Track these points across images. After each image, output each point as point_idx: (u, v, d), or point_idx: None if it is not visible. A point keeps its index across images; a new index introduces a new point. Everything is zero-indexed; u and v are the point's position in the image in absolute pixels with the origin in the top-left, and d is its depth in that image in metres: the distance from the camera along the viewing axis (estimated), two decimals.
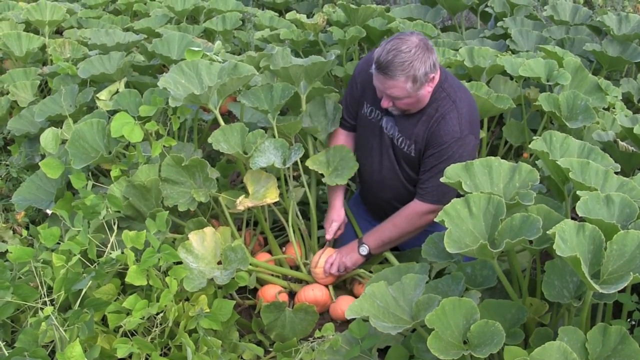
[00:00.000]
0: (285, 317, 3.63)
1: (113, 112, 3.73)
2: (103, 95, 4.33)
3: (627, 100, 5.22)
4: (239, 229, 4.13)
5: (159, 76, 4.23)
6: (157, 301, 2.97)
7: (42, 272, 2.97)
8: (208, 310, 3.13)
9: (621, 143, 4.02)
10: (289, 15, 6.10)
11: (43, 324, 2.74)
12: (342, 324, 3.76)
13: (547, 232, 2.50)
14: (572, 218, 2.71)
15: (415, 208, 3.73)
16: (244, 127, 3.79)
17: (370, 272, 3.89)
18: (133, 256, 3.01)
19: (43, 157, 4.16)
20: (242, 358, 3.41)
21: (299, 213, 4.08)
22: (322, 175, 3.96)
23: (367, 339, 3.07)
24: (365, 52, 6.00)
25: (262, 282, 3.96)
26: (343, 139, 4.08)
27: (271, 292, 3.84)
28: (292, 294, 3.97)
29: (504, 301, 2.84)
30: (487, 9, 6.94)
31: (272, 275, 3.99)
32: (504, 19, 6.31)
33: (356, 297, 3.81)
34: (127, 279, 2.95)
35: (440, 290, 2.98)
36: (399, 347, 3.08)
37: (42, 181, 3.96)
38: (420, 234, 3.74)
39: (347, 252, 3.90)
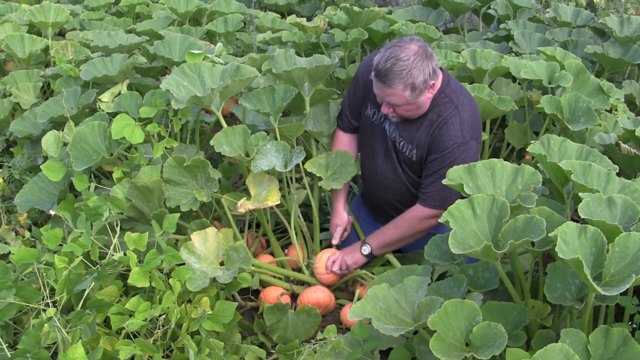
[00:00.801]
0: (288, 319, 3.63)
1: (114, 114, 3.73)
2: (105, 97, 4.33)
3: (630, 102, 5.22)
4: (242, 231, 4.13)
5: (162, 78, 4.22)
6: (160, 303, 2.97)
7: (44, 274, 2.98)
8: (210, 312, 3.13)
9: (623, 145, 4.02)
10: (289, 19, 6.12)
11: (45, 325, 2.74)
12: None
13: (550, 234, 2.50)
14: (574, 220, 2.71)
15: (417, 212, 3.73)
16: (246, 129, 3.79)
17: (373, 273, 3.89)
18: (135, 258, 3.02)
19: (45, 158, 4.16)
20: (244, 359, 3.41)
21: (300, 215, 4.09)
22: (320, 178, 3.96)
23: (369, 340, 3.07)
24: (368, 54, 6.00)
25: (264, 284, 3.96)
26: (346, 140, 4.09)
27: (273, 294, 3.84)
28: (294, 296, 3.97)
29: (506, 303, 2.84)
30: (489, 11, 6.96)
31: (274, 277, 3.99)
32: (506, 21, 6.33)
33: (359, 299, 3.81)
34: (130, 281, 2.95)
35: (443, 292, 2.98)
36: (401, 349, 3.08)
37: (45, 183, 3.96)
38: (423, 236, 3.74)
39: (349, 251, 3.92)
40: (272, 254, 4.19)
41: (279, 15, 6.69)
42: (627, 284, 2.31)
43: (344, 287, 4.10)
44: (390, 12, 6.41)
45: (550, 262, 2.92)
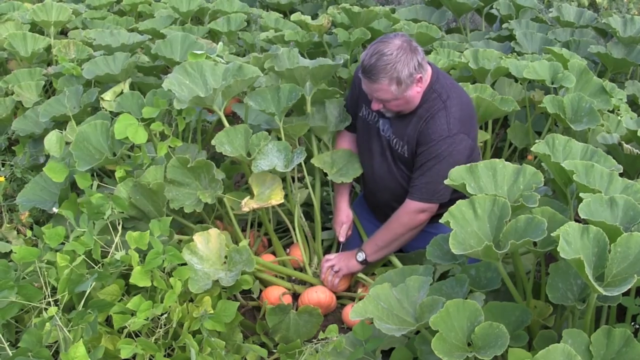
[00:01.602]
0: (290, 319, 3.62)
1: (117, 114, 3.73)
2: (108, 96, 4.33)
3: (632, 102, 5.22)
4: (243, 230, 4.13)
5: (164, 77, 4.22)
6: (161, 302, 2.97)
7: (46, 273, 2.98)
8: (212, 311, 3.13)
9: (626, 146, 4.02)
10: (293, 17, 6.10)
11: (47, 324, 2.74)
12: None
13: (552, 234, 2.50)
14: (577, 220, 2.71)
15: (406, 207, 3.74)
16: (248, 129, 3.79)
17: (374, 274, 3.89)
18: (137, 257, 3.02)
19: (47, 157, 4.16)
20: (245, 359, 3.41)
21: (302, 214, 4.09)
22: (326, 174, 3.96)
23: (370, 340, 3.07)
24: None
25: (265, 284, 3.96)
26: (348, 139, 4.13)
27: (275, 294, 3.84)
28: (295, 296, 3.97)
29: (508, 303, 2.84)
30: (492, 11, 6.96)
31: (276, 276, 3.99)
32: (509, 21, 6.32)
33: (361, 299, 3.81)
34: (132, 280, 2.95)
35: (444, 292, 2.98)
36: (402, 349, 3.08)
37: (47, 182, 3.96)
38: (424, 236, 3.73)
39: (346, 256, 3.92)
40: (273, 253, 4.19)
41: (281, 15, 6.69)
42: (629, 285, 2.31)
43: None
44: (393, 11, 6.40)
45: (552, 262, 2.92)
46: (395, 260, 3.92)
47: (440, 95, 3.64)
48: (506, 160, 3.08)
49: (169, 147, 3.73)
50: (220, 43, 4.46)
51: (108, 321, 3.06)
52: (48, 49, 5.64)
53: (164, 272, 3.14)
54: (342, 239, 4.08)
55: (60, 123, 4.37)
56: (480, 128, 4.62)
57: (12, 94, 5.01)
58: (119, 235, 3.18)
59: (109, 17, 6.67)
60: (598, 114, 4.17)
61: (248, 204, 3.66)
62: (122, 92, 4.31)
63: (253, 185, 3.76)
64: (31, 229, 3.96)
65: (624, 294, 2.44)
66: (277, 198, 3.68)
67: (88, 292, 2.83)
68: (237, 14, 6.34)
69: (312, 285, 3.98)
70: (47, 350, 2.69)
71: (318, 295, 3.84)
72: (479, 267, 3.13)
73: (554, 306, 3.01)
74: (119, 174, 3.62)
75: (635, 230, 2.58)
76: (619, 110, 4.66)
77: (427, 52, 5.49)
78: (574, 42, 5.82)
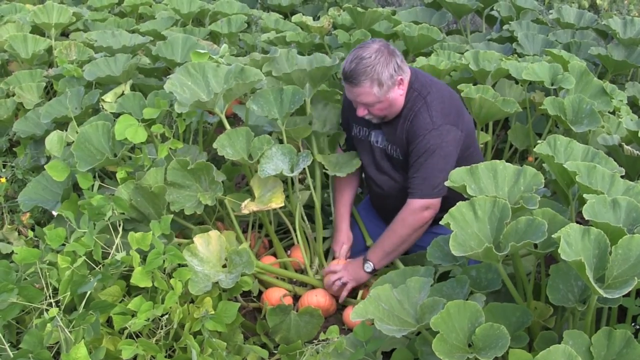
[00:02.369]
0: (291, 320, 3.62)
1: (118, 115, 3.73)
2: (109, 97, 4.34)
3: (633, 104, 5.22)
4: (244, 232, 4.13)
5: (165, 78, 4.23)
6: (162, 303, 2.97)
7: (47, 274, 2.98)
8: (213, 312, 3.13)
9: (626, 147, 4.02)
10: (294, 18, 6.12)
11: (48, 325, 2.74)
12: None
13: (552, 235, 2.50)
14: (577, 222, 2.71)
15: (408, 207, 3.72)
16: (250, 131, 3.79)
17: (375, 274, 3.89)
18: (138, 258, 3.02)
19: (48, 158, 4.17)
20: None
21: (304, 216, 4.09)
22: (326, 169, 3.98)
23: (371, 341, 3.07)
24: None
25: (266, 285, 3.96)
26: (349, 188, 4.20)
27: (276, 295, 3.84)
28: (296, 297, 3.97)
29: (509, 304, 2.83)
30: (492, 13, 6.96)
31: (277, 278, 3.99)
32: (509, 22, 6.33)
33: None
34: (133, 281, 2.96)
35: (445, 293, 2.98)
36: (403, 350, 3.08)
37: (48, 182, 3.96)
38: (425, 237, 3.73)
39: (352, 268, 3.87)
40: (274, 254, 4.19)
41: (282, 16, 6.69)
42: (630, 287, 2.31)
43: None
44: (394, 13, 6.41)
45: (553, 264, 2.92)
46: (396, 261, 3.91)
47: (420, 92, 3.69)
48: (507, 161, 3.08)
49: (170, 148, 3.73)
50: (224, 45, 4.46)
51: (109, 322, 3.06)
52: (49, 50, 5.65)
53: (164, 273, 3.15)
54: (342, 259, 4.07)
55: (61, 124, 4.37)
56: (481, 129, 4.63)
57: (13, 96, 5.02)
58: (119, 236, 3.18)
59: (110, 18, 6.68)
60: (599, 115, 4.17)
61: (248, 207, 3.65)
62: (123, 94, 4.31)
63: (254, 188, 3.76)
64: (32, 229, 3.96)
65: (624, 295, 2.44)
66: (277, 201, 3.67)
67: (89, 293, 2.84)
68: (237, 15, 6.35)
69: (313, 287, 3.98)
70: (48, 352, 2.69)
71: (318, 299, 3.83)
72: (480, 268, 3.13)
73: (554, 307, 3.00)
74: (120, 175, 3.62)
75: (638, 232, 2.58)
76: (619, 111, 4.66)
77: (428, 54, 5.50)
78: (574, 44, 5.83)
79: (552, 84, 4.52)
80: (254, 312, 3.99)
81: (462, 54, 5.20)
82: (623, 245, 2.45)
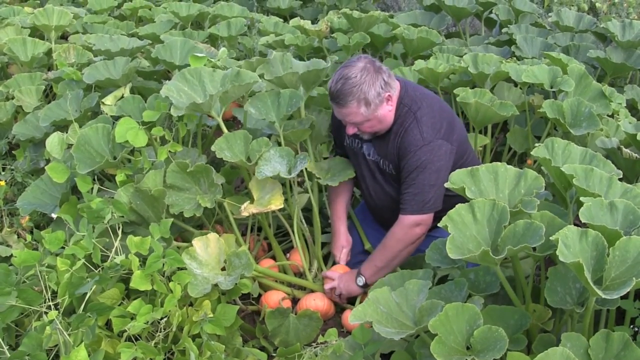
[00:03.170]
0: (290, 323, 3.63)
1: (118, 118, 3.73)
2: (108, 100, 4.34)
3: (631, 107, 5.22)
4: (243, 235, 4.13)
5: (164, 81, 4.23)
6: (161, 306, 2.98)
7: (46, 277, 2.98)
8: (212, 315, 3.13)
9: (625, 150, 4.03)
10: (292, 22, 6.12)
11: (47, 328, 2.75)
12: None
13: (551, 237, 2.50)
14: (576, 225, 2.71)
15: (399, 223, 3.71)
16: (247, 134, 3.79)
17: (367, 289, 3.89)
18: (137, 261, 3.02)
19: (48, 161, 4.17)
20: None
21: (303, 219, 4.09)
22: (319, 178, 3.96)
23: (370, 344, 3.07)
24: None
25: (265, 288, 3.97)
26: (343, 194, 4.19)
27: (274, 298, 3.84)
28: (295, 300, 3.97)
29: (507, 307, 2.84)
30: (491, 16, 6.96)
31: (276, 281, 3.99)
32: (508, 25, 6.33)
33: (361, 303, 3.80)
34: (132, 284, 2.96)
35: (444, 296, 2.98)
36: (402, 352, 3.08)
37: (47, 185, 3.96)
38: (424, 240, 3.74)
39: (347, 279, 3.88)
40: (273, 257, 4.19)
41: (281, 20, 6.70)
42: (628, 288, 2.31)
43: None
44: (392, 16, 6.42)
45: (551, 266, 2.92)
46: None
47: (410, 108, 3.67)
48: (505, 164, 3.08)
49: (169, 151, 3.74)
50: (223, 49, 4.46)
51: (108, 325, 3.06)
52: (48, 53, 5.66)
53: (163, 276, 3.15)
54: (342, 262, 4.07)
55: (60, 127, 4.37)
56: (480, 132, 4.63)
57: (12, 99, 5.02)
58: (118, 239, 3.19)
59: (109, 21, 6.69)
60: (597, 118, 4.17)
61: (247, 209, 3.66)
62: (122, 97, 4.31)
63: (253, 190, 3.77)
64: (31, 233, 3.96)
65: (622, 297, 2.45)
66: (276, 203, 3.68)
67: (88, 295, 2.84)
68: (237, 18, 6.35)
69: (311, 291, 3.98)
70: (44, 354, 2.69)
71: (316, 303, 3.83)
72: (478, 271, 3.14)
73: (553, 310, 3.01)
74: (119, 177, 3.63)
75: (635, 235, 2.58)
76: (618, 114, 4.66)
77: (427, 57, 5.50)
78: (573, 47, 5.83)
79: (551, 87, 4.52)
80: (253, 315, 3.99)
81: (461, 57, 5.20)
82: (621, 247, 2.46)
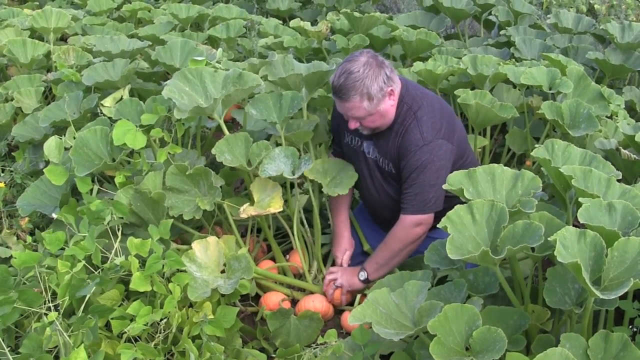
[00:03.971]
0: (290, 324, 3.63)
1: (116, 120, 3.73)
2: (107, 102, 4.34)
3: (630, 108, 5.24)
4: (243, 236, 4.13)
5: (163, 83, 4.23)
6: (161, 307, 2.98)
7: (46, 278, 2.98)
8: (212, 316, 3.13)
9: (623, 151, 4.03)
10: (292, 23, 6.12)
11: (47, 329, 2.75)
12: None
13: (549, 238, 2.51)
14: (575, 225, 2.71)
15: (400, 222, 3.73)
16: (248, 137, 3.79)
17: (369, 285, 3.89)
18: (137, 263, 3.02)
19: (47, 163, 4.17)
20: None
21: (304, 220, 4.09)
22: (321, 185, 3.94)
23: (369, 345, 3.07)
24: None
25: (264, 289, 3.97)
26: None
27: (274, 300, 3.84)
28: (294, 302, 3.97)
29: (506, 308, 2.84)
30: (490, 17, 6.97)
31: (275, 282, 3.99)
32: (507, 27, 6.33)
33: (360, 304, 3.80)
34: (132, 285, 2.96)
35: (443, 296, 2.98)
36: (401, 353, 3.08)
37: (47, 186, 3.97)
38: (425, 241, 3.74)
39: (349, 273, 3.91)
40: (273, 259, 4.19)
41: (280, 21, 6.71)
42: (626, 288, 2.32)
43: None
44: (391, 18, 6.42)
45: (550, 267, 2.93)
46: None
47: (410, 107, 3.67)
48: (505, 165, 3.09)
49: (169, 153, 3.74)
50: (220, 49, 4.46)
51: (108, 326, 3.06)
52: (48, 55, 5.65)
53: (163, 277, 3.15)
54: (345, 265, 4.07)
55: (60, 129, 4.38)
56: (479, 134, 4.64)
57: (11, 100, 5.02)
58: (118, 240, 3.19)
59: (108, 23, 6.69)
60: (596, 119, 4.18)
61: (247, 211, 3.66)
62: (121, 99, 4.31)
63: (253, 192, 3.77)
64: (31, 234, 3.97)
65: (621, 298, 2.45)
66: (276, 206, 3.68)
67: (88, 297, 2.84)
68: (236, 20, 6.36)
69: (311, 292, 3.99)
70: (49, 355, 2.70)
71: (315, 305, 3.83)
72: (477, 271, 3.14)
73: (551, 310, 3.01)
74: (118, 179, 3.63)
75: (634, 235, 2.59)
76: (616, 116, 4.67)
77: (426, 59, 5.51)
78: (572, 48, 5.84)
79: (550, 89, 4.53)
80: (252, 317, 3.99)
81: (460, 58, 5.21)
82: (619, 247, 2.46)
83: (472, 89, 4.61)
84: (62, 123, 4.26)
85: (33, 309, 2.89)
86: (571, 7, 7.78)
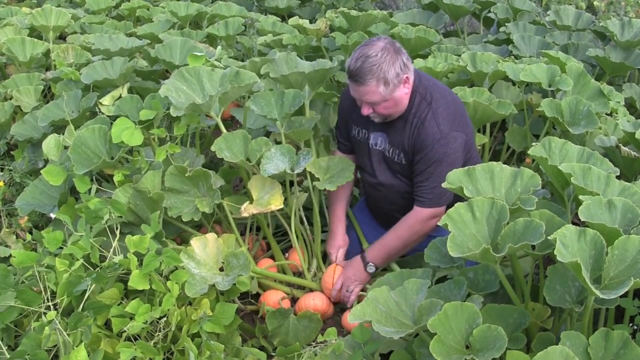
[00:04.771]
0: (290, 323, 3.62)
1: (115, 118, 3.73)
2: (106, 100, 4.34)
3: (630, 105, 5.23)
4: (242, 234, 4.13)
5: (162, 82, 4.22)
6: (160, 305, 2.97)
7: (45, 277, 2.98)
8: (211, 314, 3.13)
9: (623, 148, 4.03)
10: (291, 21, 6.12)
11: (46, 328, 2.74)
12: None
13: (549, 237, 2.50)
14: (575, 223, 2.71)
15: (416, 215, 3.73)
16: (246, 134, 3.79)
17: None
18: (136, 261, 3.02)
19: (46, 162, 4.17)
20: None
21: (304, 218, 4.08)
22: (317, 179, 3.93)
23: (369, 343, 3.07)
24: None
25: (264, 288, 3.96)
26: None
27: (274, 298, 3.84)
28: (294, 300, 3.97)
29: (507, 306, 2.84)
30: (489, 14, 6.96)
31: (275, 280, 3.99)
32: (506, 24, 6.33)
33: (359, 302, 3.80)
34: (130, 284, 2.96)
35: (443, 295, 2.98)
36: (401, 351, 3.08)
37: (46, 186, 3.96)
38: (423, 239, 3.74)
39: (353, 272, 3.89)
40: (272, 257, 4.19)
41: (279, 19, 6.70)
42: (626, 287, 2.31)
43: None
44: (390, 15, 6.41)
45: (550, 265, 2.92)
46: (393, 264, 3.92)
47: (424, 97, 3.66)
48: (504, 163, 3.08)
49: (167, 152, 3.73)
50: (219, 48, 4.46)
51: (107, 325, 3.06)
52: (47, 53, 5.65)
53: (161, 275, 3.15)
54: (339, 262, 4.07)
55: (58, 127, 4.37)
56: (479, 131, 4.63)
57: (10, 99, 5.02)
58: (116, 239, 3.18)
59: (107, 21, 6.69)
60: (596, 117, 4.17)
61: (247, 209, 3.65)
62: (120, 97, 4.31)
63: (252, 190, 3.76)
64: (30, 233, 3.96)
65: (622, 296, 2.44)
66: (276, 203, 3.67)
67: (87, 295, 2.84)
68: (235, 18, 6.35)
69: (310, 290, 3.98)
70: (45, 353, 2.69)
71: (315, 302, 3.83)
72: (477, 269, 3.14)
73: (552, 308, 3.01)
74: (117, 178, 3.62)
75: (634, 233, 2.58)
76: (616, 113, 4.66)
77: (425, 56, 5.50)
78: (572, 45, 5.83)
79: (550, 86, 4.52)
80: (252, 315, 3.99)
81: (459, 55, 5.20)
82: (619, 245, 2.46)
83: (471, 87, 4.60)
84: (61, 122, 4.26)
85: (32, 308, 2.89)
86: (570, 4, 7.77)
